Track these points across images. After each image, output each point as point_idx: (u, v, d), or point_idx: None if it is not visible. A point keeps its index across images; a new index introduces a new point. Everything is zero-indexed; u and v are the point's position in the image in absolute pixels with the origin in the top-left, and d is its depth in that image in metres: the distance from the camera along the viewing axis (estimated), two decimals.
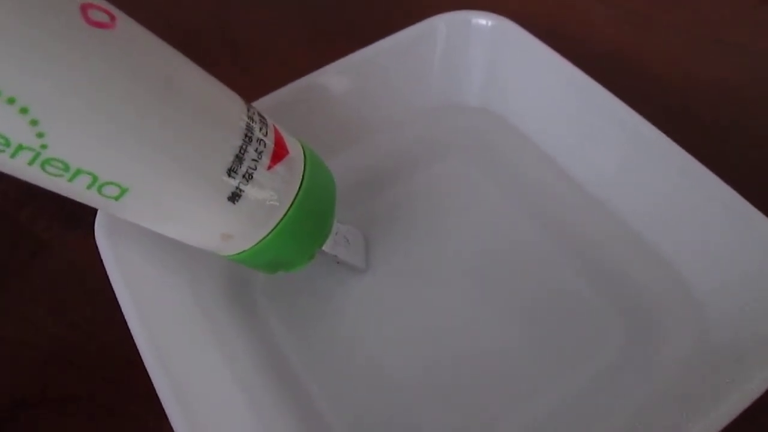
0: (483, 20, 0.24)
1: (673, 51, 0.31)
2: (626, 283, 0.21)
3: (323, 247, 0.20)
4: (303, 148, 0.19)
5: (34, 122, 0.13)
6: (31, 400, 0.22)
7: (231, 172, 0.16)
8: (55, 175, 0.14)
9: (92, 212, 0.17)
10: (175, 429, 0.16)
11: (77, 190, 0.15)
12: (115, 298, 0.18)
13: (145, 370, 0.17)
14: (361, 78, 0.24)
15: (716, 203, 0.19)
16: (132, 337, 0.17)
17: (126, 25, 0.14)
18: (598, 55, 0.31)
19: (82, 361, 0.23)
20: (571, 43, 0.29)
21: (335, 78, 0.23)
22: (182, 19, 0.36)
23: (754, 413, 0.16)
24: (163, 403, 0.16)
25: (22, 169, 0.14)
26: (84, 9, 0.13)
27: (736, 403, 0.15)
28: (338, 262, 0.22)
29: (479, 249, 0.23)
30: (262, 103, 0.22)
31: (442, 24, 0.24)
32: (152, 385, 0.16)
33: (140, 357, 0.17)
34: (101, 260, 0.19)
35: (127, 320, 0.18)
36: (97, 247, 0.19)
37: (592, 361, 0.20)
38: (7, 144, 0.13)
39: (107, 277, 0.19)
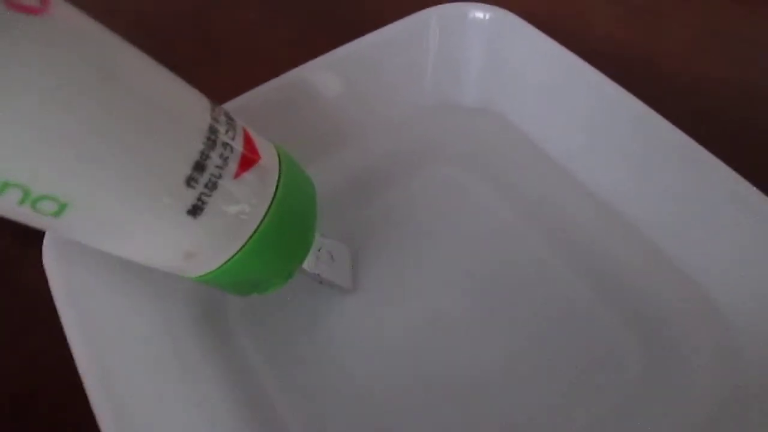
0: (480, 13, 0.22)
1: (679, 47, 0.30)
2: (644, 300, 0.19)
3: (303, 266, 0.18)
4: (278, 152, 0.17)
5: None
6: None
7: (191, 181, 0.14)
8: None
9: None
10: None
11: (8, 207, 0.13)
12: None
13: None
14: (348, 75, 0.22)
15: (741, 206, 0.17)
16: None
17: (61, 11, 0.12)
18: (601, 52, 0.29)
19: (42, 398, 0.20)
20: (572, 40, 0.27)
21: (319, 75, 0.22)
22: (163, 19, 0.34)
23: None
24: None
25: None
26: None
27: None
28: (321, 282, 0.19)
29: (479, 263, 0.21)
30: (237, 103, 0.20)
31: (435, 17, 0.23)
32: None
33: None
34: None
35: (74, 358, 0.16)
36: None
37: (607, 392, 0.18)
38: None
39: None
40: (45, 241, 0.17)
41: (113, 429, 0.14)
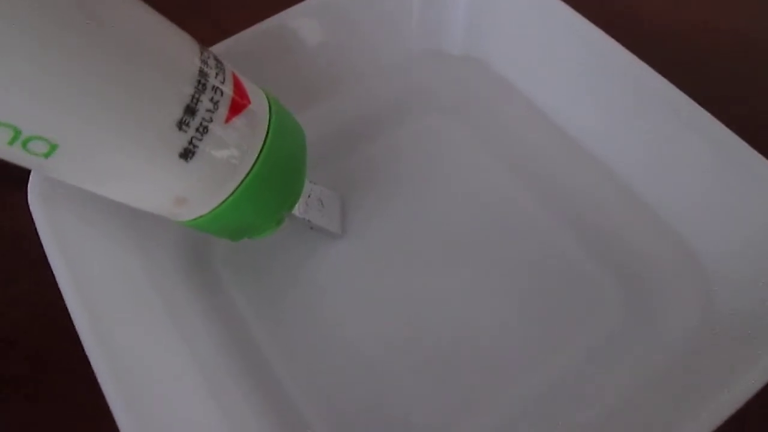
0: None
1: None
2: (625, 248, 0.20)
3: (294, 211, 0.19)
4: (268, 98, 0.17)
5: None
6: None
7: (182, 124, 0.14)
8: None
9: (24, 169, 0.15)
10: (115, 417, 0.14)
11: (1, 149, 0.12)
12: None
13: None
14: (331, 22, 0.22)
15: (725, 157, 0.18)
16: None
17: None
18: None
19: (24, 340, 0.21)
20: None
21: (302, 22, 0.21)
22: None
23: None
24: (103, 390, 0.14)
25: None
26: None
27: (745, 388, 0.14)
28: (311, 228, 0.20)
29: (464, 212, 0.21)
30: (219, 48, 0.20)
31: None
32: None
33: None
34: None
35: (63, 295, 0.16)
36: None
37: (590, 334, 0.19)
38: None
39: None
40: (30, 183, 0.17)
41: (103, 367, 0.15)
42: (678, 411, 0.14)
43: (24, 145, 0.12)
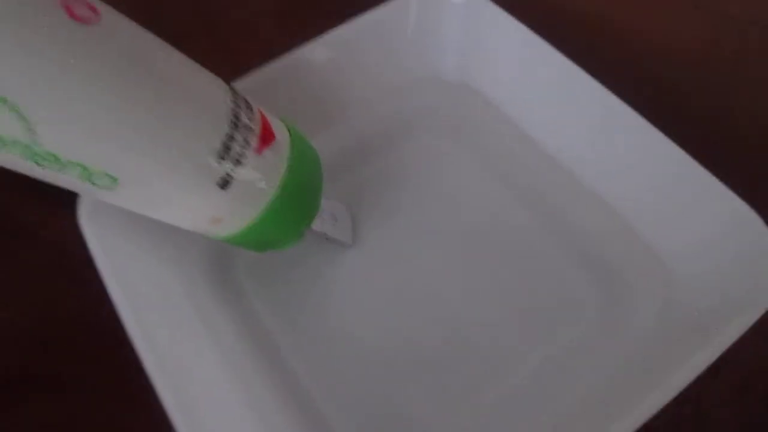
0: None
1: (650, 17, 0.32)
2: (599, 252, 0.23)
3: (312, 226, 0.21)
4: (288, 128, 0.19)
5: (24, 119, 0.13)
6: (18, 380, 0.22)
7: (220, 158, 0.16)
8: (48, 168, 0.14)
9: (71, 194, 0.17)
10: (165, 406, 0.16)
11: (70, 182, 0.15)
12: (99, 279, 0.19)
13: (129, 350, 0.17)
14: (338, 56, 0.24)
15: (681, 175, 0.20)
16: (115, 317, 0.18)
17: (109, 18, 0.14)
18: (575, 22, 0.31)
19: (69, 341, 0.23)
20: (546, 12, 0.29)
21: (313, 56, 0.24)
22: None
23: (717, 369, 0.17)
24: (151, 380, 0.17)
25: (17, 163, 0.14)
26: (67, 4, 0.13)
27: (701, 362, 0.17)
28: (327, 239, 0.22)
29: (460, 221, 0.24)
30: (243, 83, 0.22)
31: (414, 1, 0.25)
32: (137, 368, 0.17)
33: (123, 338, 0.18)
34: (83, 241, 0.19)
35: (113, 301, 0.18)
36: (79, 229, 0.19)
37: (569, 326, 0.21)
38: (2, 143, 0.13)
39: (89, 257, 0.19)
40: (79, 206, 0.19)
41: (150, 360, 0.17)
42: (641, 388, 0.17)
43: (91, 180, 0.15)
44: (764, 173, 0.25)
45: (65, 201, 0.22)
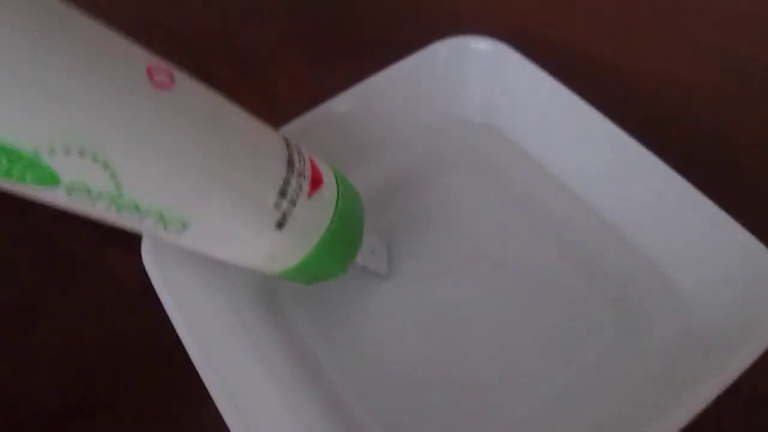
0: (481, 45, 0.27)
1: (654, 56, 0.34)
2: (617, 281, 0.24)
3: (356, 259, 0.23)
4: (334, 172, 0.21)
5: (112, 175, 0.15)
6: (81, 405, 0.24)
7: (278, 203, 0.18)
8: (128, 216, 0.16)
9: (124, 231, 0.18)
10: (227, 422, 0.18)
11: (147, 227, 0.17)
12: (153, 308, 0.21)
13: (188, 372, 0.19)
14: (373, 101, 0.26)
15: (695, 211, 0.22)
16: (173, 342, 0.20)
17: (183, 82, 0.16)
18: (588, 63, 0.33)
19: (128, 367, 0.25)
20: (564, 54, 0.31)
21: (351, 103, 0.26)
22: (193, 37, 0.37)
23: (728, 396, 0.18)
24: (214, 400, 0.18)
25: (100, 212, 0.16)
26: (151, 72, 0.15)
27: (713, 387, 0.18)
28: (366, 271, 0.24)
29: (486, 253, 0.25)
30: (287, 129, 0.24)
31: (444, 49, 0.27)
32: (196, 385, 0.19)
33: (182, 361, 0.19)
34: (137, 273, 0.21)
35: (176, 328, 0.20)
36: (132, 262, 0.21)
37: (588, 351, 0.23)
38: (89, 193, 0.15)
39: (143, 288, 0.21)
40: (143, 245, 0.21)
41: (210, 377, 0.19)
42: (657, 411, 0.18)
43: (165, 225, 0.17)
44: None
45: (118, 237, 0.24)
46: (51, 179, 0.14)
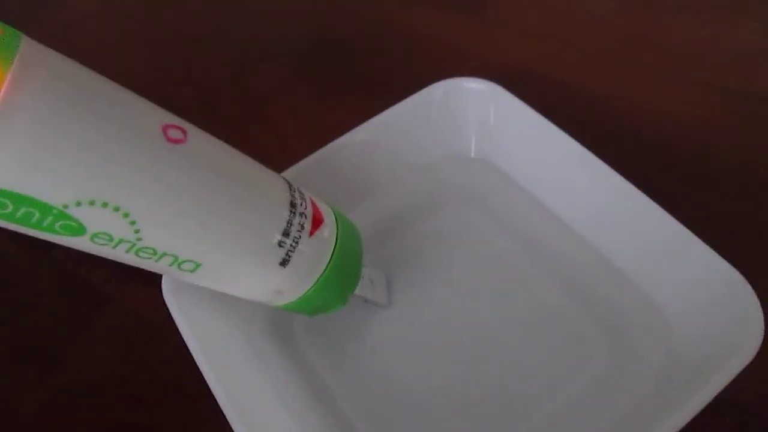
0: (475, 85, 0.28)
1: (647, 90, 0.35)
2: (609, 308, 0.25)
3: (354, 291, 0.24)
4: (333, 211, 0.23)
5: (132, 222, 0.16)
6: (113, 429, 0.26)
7: (281, 242, 0.20)
8: (146, 258, 0.18)
9: (143, 270, 0.19)
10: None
11: (162, 267, 0.18)
12: (173, 340, 0.22)
13: (209, 400, 0.20)
14: (375, 140, 0.28)
15: (682, 245, 0.23)
16: (194, 372, 0.21)
17: (194, 136, 0.18)
18: (581, 97, 0.35)
19: (150, 397, 0.26)
20: (558, 89, 0.33)
21: (354, 142, 0.27)
22: (202, 77, 0.39)
23: (711, 412, 0.19)
24: (230, 424, 0.20)
25: (120, 255, 0.17)
26: (165, 130, 0.17)
27: (697, 404, 0.19)
28: (366, 301, 0.25)
29: (481, 281, 0.27)
30: (293, 170, 0.26)
31: (442, 89, 0.28)
32: (216, 412, 0.20)
33: (204, 389, 0.21)
34: (157, 306, 0.23)
35: (195, 360, 0.21)
36: (152, 298, 0.23)
37: (581, 375, 0.24)
38: (111, 239, 0.17)
39: (164, 322, 0.22)
40: (163, 283, 0.23)
41: (225, 400, 0.20)
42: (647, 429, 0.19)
43: (179, 265, 0.18)
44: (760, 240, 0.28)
45: (138, 274, 0.25)
46: (78, 230, 0.16)
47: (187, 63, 0.40)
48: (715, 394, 0.19)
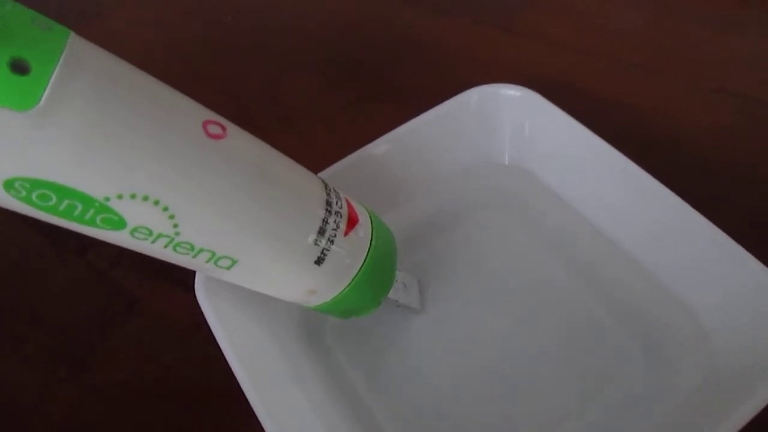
0: (511, 91, 0.28)
1: (675, 100, 0.35)
2: (645, 319, 0.24)
3: (388, 294, 0.24)
4: (368, 213, 0.23)
5: (171, 216, 0.16)
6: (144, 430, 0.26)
7: (317, 241, 0.20)
8: (183, 254, 0.18)
9: (177, 269, 0.19)
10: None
11: (198, 264, 0.18)
12: (204, 342, 0.22)
13: (238, 401, 0.20)
14: (409, 145, 0.28)
15: (718, 251, 0.22)
16: (223, 374, 0.21)
17: (233, 132, 0.18)
18: (615, 107, 0.34)
19: (181, 399, 0.26)
20: (587, 100, 0.32)
21: (388, 147, 0.27)
22: (235, 86, 0.40)
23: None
24: (262, 424, 0.20)
25: (158, 251, 0.17)
26: (205, 126, 0.17)
27: (737, 422, 0.18)
28: (398, 306, 0.25)
29: (515, 289, 0.26)
30: (327, 173, 0.26)
31: (476, 95, 0.28)
32: (245, 414, 0.20)
33: (232, 391, 0.20)
34: (188, 308, 0.23)
35: (228, 360, 0.21)
36: (182, 297, 0.23)
37: (617, 388, 0.23)
38: (150, 234, 0.17)
39: (195, 324, 0.22)
40: (196, 282, 0.23)
41: (258, 403, 0.20)
42: None
43: (216, 262, 0.18)
44: None
45: (167, 274, 0.26)
46: (118, 223, 0.16)
47: (222, 71, 0.41)
48: (759, 409, 0.19)
